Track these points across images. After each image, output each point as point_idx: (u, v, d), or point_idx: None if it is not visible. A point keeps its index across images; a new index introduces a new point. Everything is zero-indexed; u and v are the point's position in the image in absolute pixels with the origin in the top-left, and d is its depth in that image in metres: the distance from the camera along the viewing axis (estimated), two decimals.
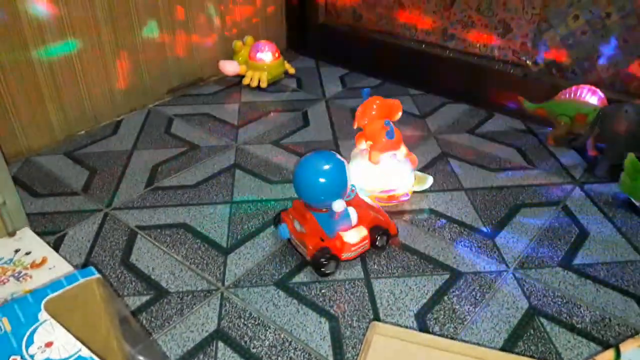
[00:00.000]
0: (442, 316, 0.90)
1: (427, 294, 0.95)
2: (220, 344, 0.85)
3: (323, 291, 0.95)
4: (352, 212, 0.97)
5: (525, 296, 0.94)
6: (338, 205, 0.93)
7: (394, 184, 1.15)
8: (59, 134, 1.42)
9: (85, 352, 0.53)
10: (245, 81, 1.71)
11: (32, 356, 0.52)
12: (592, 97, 1.29)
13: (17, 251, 0.87)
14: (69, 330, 0.55)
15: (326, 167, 0.94)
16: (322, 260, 0.95)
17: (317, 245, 0.96)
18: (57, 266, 0.83)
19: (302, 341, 0.86)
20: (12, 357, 0.52)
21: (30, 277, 0.81)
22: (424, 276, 0.98)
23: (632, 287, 0.96)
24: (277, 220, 1.07)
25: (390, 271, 0.99)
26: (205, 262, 1.02)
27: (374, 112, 1.11)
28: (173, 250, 1.04)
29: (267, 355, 0.83)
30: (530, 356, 0.83)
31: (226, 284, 0.97)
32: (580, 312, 0.91)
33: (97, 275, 0.62)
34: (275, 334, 0.87)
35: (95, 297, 0.61)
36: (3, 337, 0.54)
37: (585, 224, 1.12)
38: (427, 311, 0.91)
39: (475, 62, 1.60)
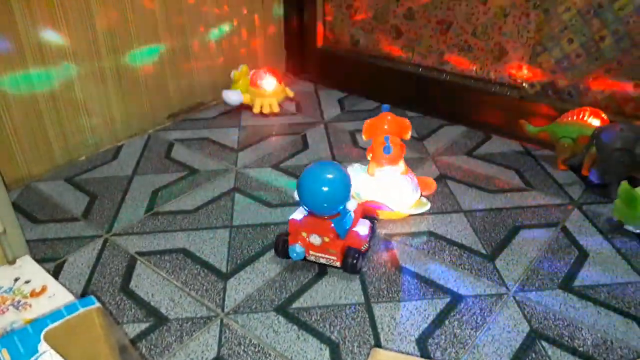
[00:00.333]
0: (443, 341, 0.90)
1: (428, 318, 0.94)
2: None
3: (323, 316, 0.94)
4: (351, 208, 1.01)
5: (526, 319, 0.94)
6: (353, 205, 0.98)
7: (387, 198, 1.17)
8: (59, 160, 1.42)
9: None
10: (256, 110, 1.71)
11: None
12: (594, 119, 1.31)
13: (16, 279, 0.87)
14: None
15: (335, 175, 0.98)
16: (355, 259, 1.00)
17: (342, 249, 1.00)
18: (57, 294, 0.83)
19: None
20: None
21: (30, 305, 0.81)
22: (424, 300, 0.98)
23: (633, 309, 0.96)
24: (282, 245, 1.05)
25: (390, 295, 0.99)
26: (204, 287, 1.01)
27: (385, 127, 1.15)
28: (173, 276, 1.04)
29: None
30: None
31: (226, 310, 0.96)
32: (582, 335, 0.91)
33: (97, 305, 0.62)
34: None
35: (95, 327, 0.61)
36: None
37: (585, 245, 1.12)
38: (428, 336, 0.91)
39: (472, 85, 1.62)
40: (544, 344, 0.89)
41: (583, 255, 1.09)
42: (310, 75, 2.00)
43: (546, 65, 1.48)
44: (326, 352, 0.88)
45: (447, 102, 1.67)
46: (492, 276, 1.04)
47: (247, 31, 1.84)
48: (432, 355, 0.87)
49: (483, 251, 1.11)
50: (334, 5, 1.87)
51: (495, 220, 1.20)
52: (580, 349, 0.88)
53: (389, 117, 1.16)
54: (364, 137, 1.18)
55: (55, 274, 1.04)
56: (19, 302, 0.82)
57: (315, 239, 1.01)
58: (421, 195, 1.23)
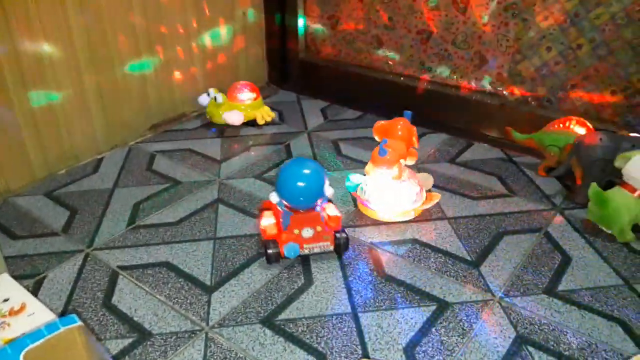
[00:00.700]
0: (430, 349, 0.89)
1: (414, 326, 0.94)
2: None
3: (310, 327, 0.94)
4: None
5: (512, 325, 0.94)
6: (331, 191, 1.07)
7: (376, 198, 1.20)
8: (38, 174, 1.40)
9: None
10: (260, 122, 1.69)
11: None
12: (580, 128, 1.33)
13: None
14: None
15: (314, 169, 1.07)
16: (346, 237, 1.09)
17: (330, 232, 1.08)
18: (37, 312, 0.81)
19: None
20: None
21: (9, 325, 0.79)
22: (411, 308, 0.98)
23: (616, 312, 0.97)
24: (273, 250, 1.06)
25: (377, 304, 0.99)
26: (189, 301, 1.00)
27: (399, 132, 1.20)
28: (156, 290, 1.02)
29: None
30: None
31: (211, 323, 0.95)
32: (567, 339, 0.91)
33: (79, 323, 0.60)
34: None
35: (77, 346, 0.59)
36: None
37: (568, 250, 1.13)
38: (415, 344, 0.90)
39: (453, 93, 1.64)
40: (530, 349, 0.89)
41: (566, 260, 1.10)
42: (292, 85, 2.00)
43: (526, 73, 1.50)
44: None
45: (429, 110, 1.68)
46: (478, 282, 1.04)
47: (229, 42, 1.84)
48: None
49: (468, 258, 1.11)
50: (316, 15, 1.87)
51: (479, 226, 1.21)
52: (566, 353, 0.88)
53: (401, 123, 1.20)
54: (375, 136, 1.26)
55: (35, 291, 1.02)
56: None
57: (308, 232, 1.06)
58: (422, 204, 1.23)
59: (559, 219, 1.24)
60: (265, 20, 1.94)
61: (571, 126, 1.33)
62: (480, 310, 0.97)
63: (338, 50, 1.87)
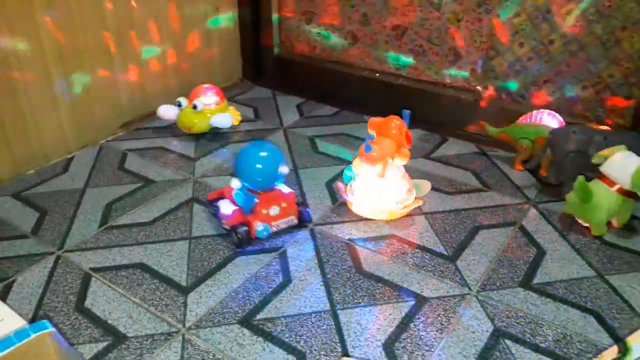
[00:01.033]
0: (409, 344, 0.90)
1: (393, 322, 0.94)
2: None
3: (289, 326, 0.93)
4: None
5: (489, 318, 0.95)
6: (286, 169, 1.13)
7: (363, 194, 1.20)
8: (5, 174, 1.35)
9: None
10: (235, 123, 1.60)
11: None
12: (552, 120, 1.34)
13: None
14: None
15: (271, 149, 1.14)
16: (305, 207, 1.19)
17: (294, 207, 1.15)
18: (6, 319, 0.78)
19: None
20: None
21: None
22: (389, 304, 0.98)
23: (590, 303, 0.98)
24: (242, 231, 1.10)
25: (356, 300, 0.99)
26: (164, 303, 0.98)
27: (394, 131, 1.18)
28: (130, 292, 1.00)
29: None
30: None
31: (187, 325, 0.93)
32: (543, 331, 0.92)
33: (50, 329, 0.58)
34: None
35: (49, 352, 0.58)
36: None
37: (542, 243, 1.15)
38: (394, 340, 0.90)
39: (428, 89, 1.65)
40: (508, 342, 0.90)
41: (541, 253, 1.12)
42: (267, 81, 1.98)
43: (499, 68, 1.51)
44: None
45: (404, 106, 1.69)
46: (455, 277, 1.05)
47: (203, 38, 1.81)
48: None
49: (445, 253, 1.12)
50: (290, 11, 1.86)
51: (455, 221, 1.22)
52: (542, 345, 0.90)
53: (395, 122, 1.17)
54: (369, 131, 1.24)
55: (4, 296, 0.98)
56: None
57: (275, 210, 1.12)
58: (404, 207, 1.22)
59: (532, 212, 1.25)
60: (239, 16, 1.91)
61: (542, 119, 1.35)
62: (457, 304, 0.98)
63: (312, 46, 1.86)
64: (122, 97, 1.60)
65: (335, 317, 0.95)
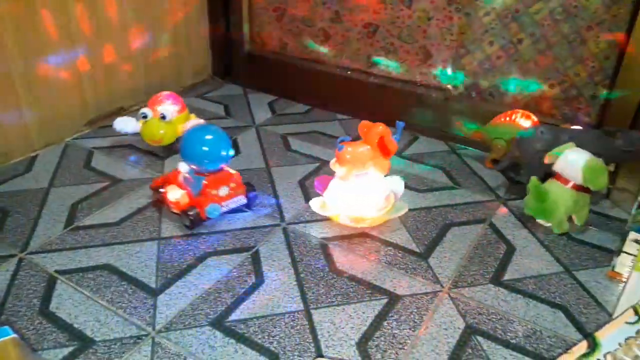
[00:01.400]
0: (382, 342, 0.90)
1: (367, 320, 0.94)
2: None
3: (262, 327, 0.92)
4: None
5: (461, 315, 0.96)
6: (232, 151, 1.16)
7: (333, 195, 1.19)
8: None
9: None
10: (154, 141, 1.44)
11: None
12: (525, 121, 1.36)
13: None
14: None
15: (216, 131, 1.17)
16: (252, 187, 1.23)
17: (242, 187, 1.19)
18: None
19: None
20: None
21: None
22: (362, 302, 0.98)
23: (558, 299, 1.00)
24: (193, 212, 1.12)
25: (329, 299, 0.98)
26: (133, 305, 0.95)
27: (373, 139, 1.14)
28: (97, 295, 0.97)
29: None
30: None
31: (157, 327, 0.91)
32: (514, 327, 0.94)
33: (13, 335, 0.56)
34: None
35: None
36: None
37: (512, 240, 1.16)
38: (368, 338, 0.90)
39: (399, 87, 1.65)
40: (479, 338, 0.91)
41: (510, 250, 1.13)
42: (238, 78, 1.96)
43: (469, 67, 1.53)
44: None
45: (375, 104, 1.69)
46: (427, 274, 1.05)
47: (171, 34, 1.77)
48: (372, 359, 0.87)
49: (417, 250, 1.12)
50: (261, 7, 1.84)
51: (427, 219, 1.23)
52: (513, 341, 0.91)
53: (380, 129, 1.13)
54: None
55: None
56: None
57: (224, 190, 1.16)
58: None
59: (502, 209, 1.27)
60: (208, 12, 1.88)
61: (516, 119, 1.37)
62: (430, 302, 0.98)
63: (284, 42, 1.84)
64: (87, 92, 1.55)
65: (309, 316, 0.94)
